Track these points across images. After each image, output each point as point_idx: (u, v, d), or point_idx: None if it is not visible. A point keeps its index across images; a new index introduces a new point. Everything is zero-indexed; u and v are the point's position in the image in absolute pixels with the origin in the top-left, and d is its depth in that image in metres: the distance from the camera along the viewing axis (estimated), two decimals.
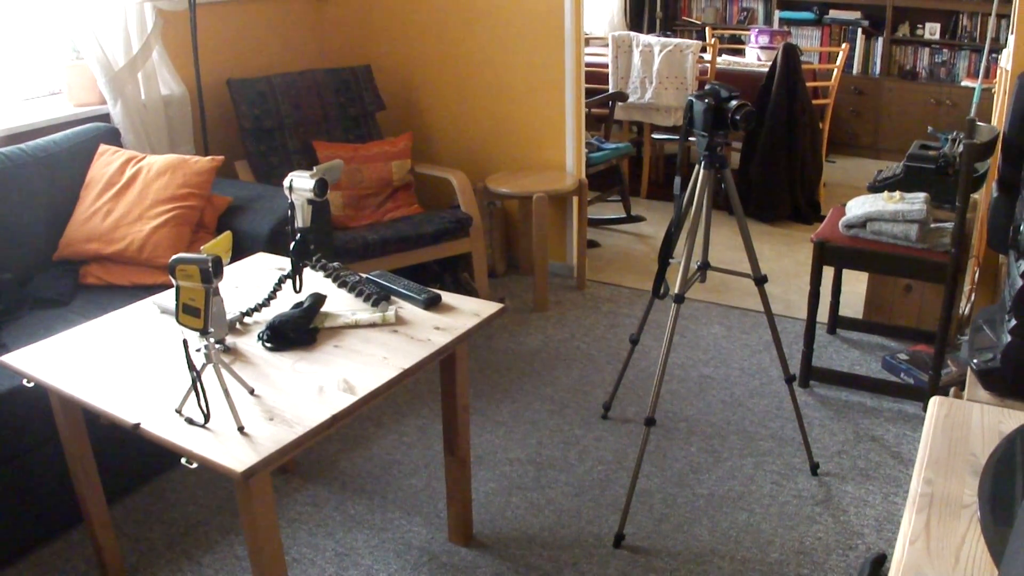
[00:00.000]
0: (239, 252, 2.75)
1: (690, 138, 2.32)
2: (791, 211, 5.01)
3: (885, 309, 3.60)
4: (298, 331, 1.93)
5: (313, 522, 2.49)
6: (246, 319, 2.05)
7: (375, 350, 1.91)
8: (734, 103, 2.18)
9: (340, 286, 2.16)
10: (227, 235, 2.00)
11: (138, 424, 1.62)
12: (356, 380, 1.78)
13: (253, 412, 1.66)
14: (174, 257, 1.52)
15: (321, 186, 2.00)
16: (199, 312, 1.52)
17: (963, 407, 1.85)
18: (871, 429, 2.93)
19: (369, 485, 2.66)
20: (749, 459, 2.77)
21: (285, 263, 2.41)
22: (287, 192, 2.03)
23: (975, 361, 2.10)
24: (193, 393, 1.60)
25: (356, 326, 2.03)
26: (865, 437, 2.88)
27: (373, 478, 2.70)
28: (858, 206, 3.05)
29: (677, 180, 2.33)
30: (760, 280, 2.49)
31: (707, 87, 2.23)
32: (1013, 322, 1.97)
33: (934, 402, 1.96)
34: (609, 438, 2.90)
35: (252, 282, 2.28)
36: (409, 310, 2.11)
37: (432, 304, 2.13)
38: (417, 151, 4.19)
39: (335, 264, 2.22)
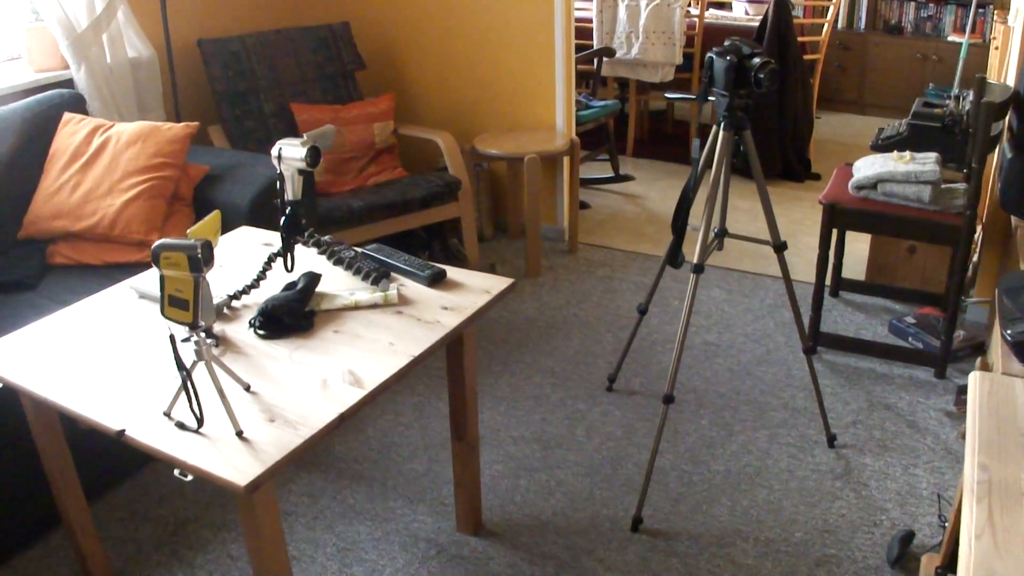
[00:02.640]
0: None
1: (709, 98, 2.16)
2: (782, 169, 4.88)
3: (888, 271, 3.49)
4: (294, 315, 1.76)
5: (310, 514, 2.34)
6: (234, 303, 1.88)
7: (379, 335, 1.75)
8: (757, 60, 2.02)
9: (336, 263, 1.99)
10: (215, 215, 1.81)
11: (123, 431, 1.46)
12: (362, 371, 1.62)
13: (251, 412, 1.49)
14: (158, 243, 1.34)
15: (314, 154, 1.81)
16: (187, 304, 1.35)
17: (1005, 383, 1.73)
18: (884, 397, 2.83)
19: (367, 471, 2.51)
20: (763, 431, 2.66)
21: (271, 238, 2.23)
22: (275, 162, 1.84)
23: (1008, 332, 1.98)
24: (184, 395, 1.43)
25: (356, 308, 1.86)
26: (879, 405, 2.78)
27: (371, 463, 2.55)
28: (867, 166, 2.92)
29: (696, 142, 2.18)
30: (779, 247, 2.36)
31: (727, 43, 2.06)
32: None
33: (975, 378, 1.84)
34: (616, 412, 2.77)
35: (237, 260, 2.10)
36: (412, 288, 1.95)
37: (436, 281, 1.97)
38: (400, 112, 3.98)
39: (328, 238, 2.05)
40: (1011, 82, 3.07)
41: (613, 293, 3.57)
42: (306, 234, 1.95)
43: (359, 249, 2.07)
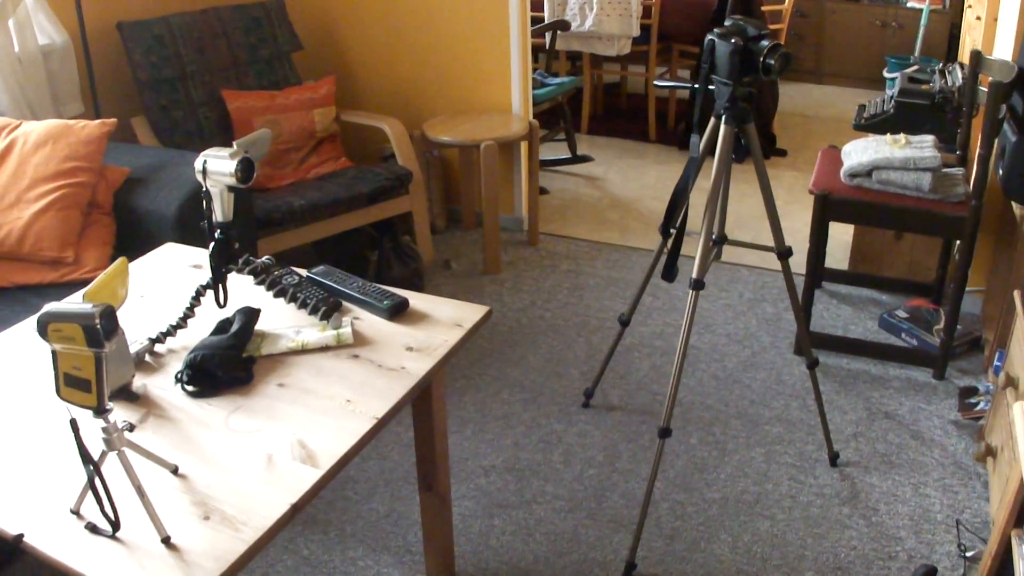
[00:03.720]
0: (142, 239, 2.21)
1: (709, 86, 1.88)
2: None
3: (873, 259, 3.28)
4: (228, 367, 1.44)
5: (258, 572, 2.03)
6: (157, 347, 1.55)
7: (334, 388, 1.44)
8: (765, 43, 1.74)
9: (278, 295, 1.67)
10: (119, 265, 1.47)
11: (21, 536, 1.13)
12: (315, 440, 1.31)
13: (181, 506, 1.18)
14: (44, 311, 1.01)
15: (245, 168, 1.49)
16: (89, 384, 1.03)
17: None
18: (883, 404, 2.62)
19: (321, 514, 2.21)
20: (758, 449, 2.43)
21: (202, 257, 1.89)
22: (200, 178, 1.51)
23: None
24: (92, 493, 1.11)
25: (303, 350, 1.55)
26: (878, 414, 2.57)
27: (324, 504, 2.25)
28: (860, 151, 2.68)
29: (695, 139, 1.90)
30: (784, 254, 2.10)
31: (730, 22, 1.78)
32: None
33: (1020, 409, 1.62)
34: (595, 432, 2.51)
35: (162, 287, 1.76)
36: (369, 322, 1.64)
37: (398, 312, 1.66)
38: (341, 97, 3.61)
39: (267, 260, 1.72)
40: (1002, 53, 2.86)
41: (581, 290, 3.30)
42: (240, 261, 1.62)
43: (303, 273, 1.75)
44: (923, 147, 2.59)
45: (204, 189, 1.51)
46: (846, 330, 3.01)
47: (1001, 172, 2.48)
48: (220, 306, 1.60)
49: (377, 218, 3.08)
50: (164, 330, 1.54)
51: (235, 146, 1.53)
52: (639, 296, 2.40)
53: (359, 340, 1.58)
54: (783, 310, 3.15)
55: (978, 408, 2.52)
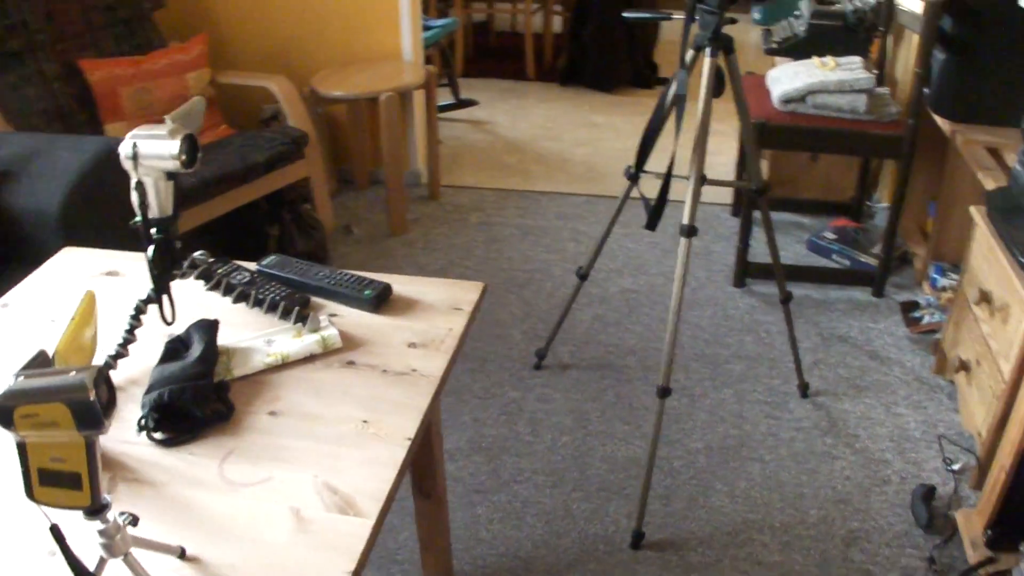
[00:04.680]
0: (18, 246, 1.83)
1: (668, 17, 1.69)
2: (632, 76, 4.53)
3: (788, 183, 3.25)
4: (202, 400, 1.16)
5: None
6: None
7: (341, 409, 1.19)
8: None
9: (239, 299, 1.38)
10: (87, 301, 1.15)
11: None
12: (344, 481, 1.07)
13: None
14: (6, 391, 0.72)
15: (191, 147, 1.19)
16: (77, 479, 0.75)
17: None
18: (833, 328, 2.59)
19: None
20: (726, 391, 2.34)
21: (115, 261, 1.56)
22: (129, 166, 1.19)
23: None
24: None
25: (284, 364, 1.28)
26: (832, 339, 2.54)
27: None
28: (790, 77, 2.59)
29: (682, 74, 1.72)
30: (761, 190, 1.97)
31: None
32: None
33: None
34: (555, 396, 2.35)
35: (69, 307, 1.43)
36: (350, 318, 1.39)
37: (382, 302, 1.41)
38: (214, 57, 3.19)
39: (199, 257, 1.41)
40: None
41: (498, 243, 3.10)
42: (185, 264, 1.32)
43: (251, 267, 1.47)
44: (854, 69, 2.52)
45: (135, 180, 1.20)
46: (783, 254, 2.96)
47: (927, 91, 2.46)
48: (168, 323, 1.30)
49: (274, 187, 2.75)
50: (103, 363, 1.23)
51: (168, 121, 1.22)
52: (600, 247, 2.23)
53: (348, 342, 1.33)
54: (710, 243, 3.08)
55: (924, 322, 2.53)
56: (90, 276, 1.51)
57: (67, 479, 0.75)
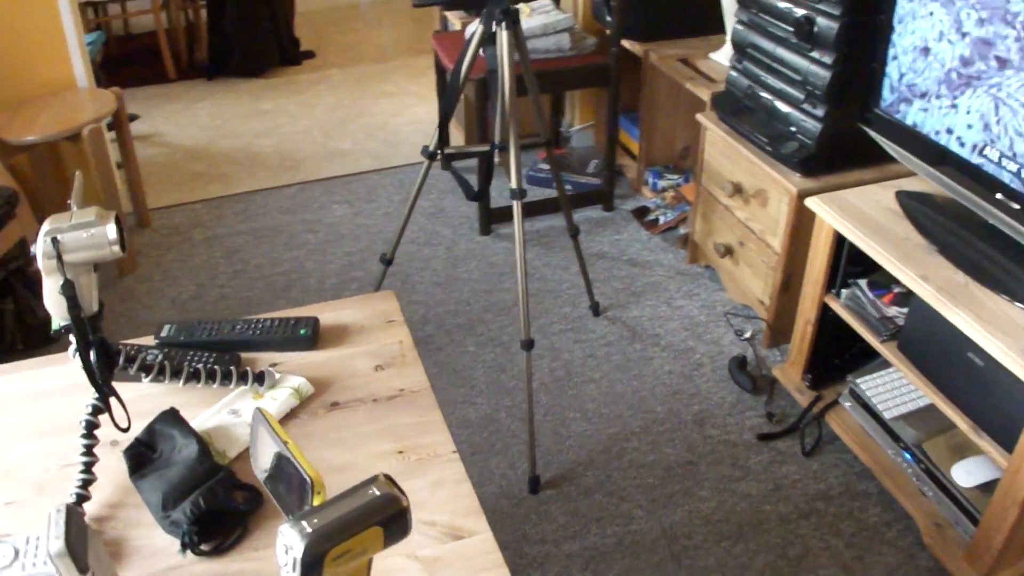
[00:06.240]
0: None
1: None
2: (279, 57, 4.42)
3: (473, 128, 3.45)
4: (233, 493, 1.05)
5: None
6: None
7: (366, 448, 1.15)
8: None
9: (190, 379, 1.22)
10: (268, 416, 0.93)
11: None
12: (432, 511, 1.05)
13: None
14: (313, 533, 0.62)
15: (121, 229, 1.04)
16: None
17: (837, 197, 1.86)
18: (588, 248, 2.87)
19: None
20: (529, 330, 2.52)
21: (29, 375, 1.27)
22: (51, 266, 1.01)
23: (783, 152, 2.10)
24: None
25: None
26: (591, 258, 2.82)
27: None
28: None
29: (491, 50, 1.78)
30: (551, 143, 2.12)
31: None
32: (823, 109, 1.99)
33: (814, 202, 1.90)
34: None
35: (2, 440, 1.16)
36: (296, 362, 1.31)
37: (316, 335, 1.35)
38: None
39: (135, 345, 1.23)
40: None
41: (238, 254, 2.94)
42: (121, 358, 1.15)
43: (150, 343, 1.30)
44: (549, 11, 2.76)
45: (64, 279, 1.02)
46: (501, 199, 3.16)
47: (610, 17, 2.77)
48: (123, 429, 1.13)
49: None
50: (74, 497, 1.05)
51: (73, 206, 1.05)
52: (403, 229, 2.25)
53: (316, 385, 1.26)
54: (437, 199, 3.19)
55: (661, 223, 2.91)
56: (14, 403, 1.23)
57: None
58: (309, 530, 0.64)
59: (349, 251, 2.91)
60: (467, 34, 2.86)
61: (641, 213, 2.98)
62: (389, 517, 0.67)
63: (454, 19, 3.45)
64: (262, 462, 0.85)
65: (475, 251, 2.89)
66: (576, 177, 3.15)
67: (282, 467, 0.80)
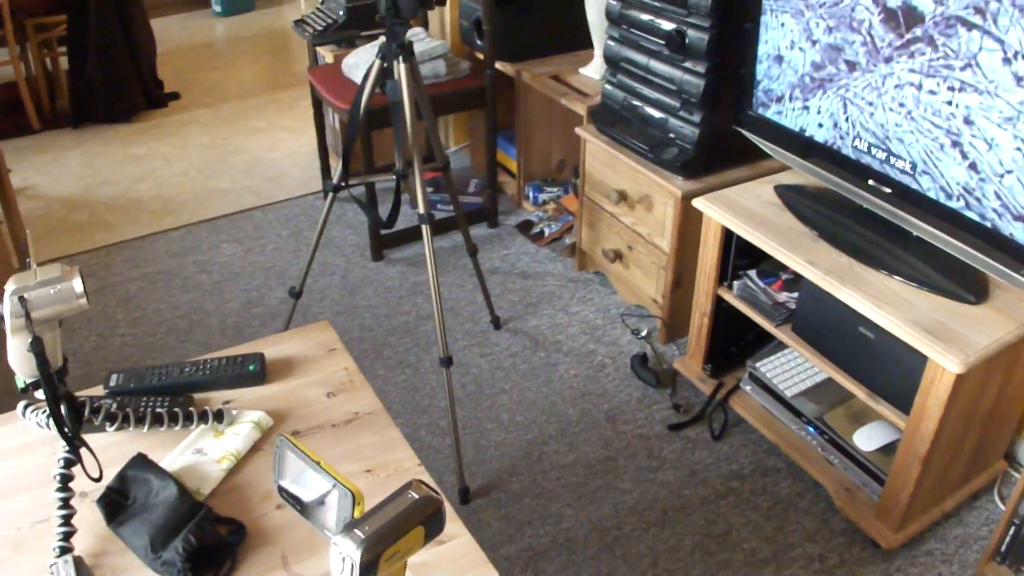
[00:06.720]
0: None
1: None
2: (145, 100, 4.32)
3: (356, 159, 3.51)
4: (216, 527, 1.10)
5: None
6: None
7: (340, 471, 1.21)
8: None
9: (154, 424, 1.24)
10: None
11: None
12: None
13: None
14: (366, 539, 0.69)
15: (82, 282, 1.07)
16: None
17: (721, 196, 2.06)
18: (481, 264, 2.98)
19: None
20: (433, 349, 2.59)
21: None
22: (18, 325, 1.03)
23: (664, 158, 2.27)
24: None
25: (239, 462, 1.23)
26: (485, 273, 2.93)
27: None
28: (368, 61, 2.83)
29: (391, 83, 1.85)
30: (446, 167, 2.22)
31: None
32: (699, 115, 2.18)
33: (702, 202, 2.10)
34: None
35: None
36: (246, 396, 1.36)
37: (263, 371, 1.40)
38: None
39: (101, 398, 1.24)
40: None
41: (133, 301, 2.88)
42: (88, 410, 1.16)
43: (99, 392, 1.32)
44: (423, 39, 2.86)
45: (33, 336, 1.04)
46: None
47: (480, 41, 2.90)
48: (96, 479, 1.15)
49: None
50: (58, 551, 1.06)
51: (31, 265, 1.07)
52: (310, 263, 2.29)
53: (274, 417, 1.31)
54: (325, 230, 3.22)
55: (547, 234, 3.06)
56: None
57: None
58: (362, 536, 0.72)
59: (246, 288, 2.91)
60: (344, 68, 2.93)
61: (526, 227, 3.12)
62: (429, 516, 0.75)
63: (324, 52, 3.50)
64: (292, 483, 0.91)
65: (370, 277, 2.95)
66: (473, 198, 3.26)
67: (317, 485, 0.86)
